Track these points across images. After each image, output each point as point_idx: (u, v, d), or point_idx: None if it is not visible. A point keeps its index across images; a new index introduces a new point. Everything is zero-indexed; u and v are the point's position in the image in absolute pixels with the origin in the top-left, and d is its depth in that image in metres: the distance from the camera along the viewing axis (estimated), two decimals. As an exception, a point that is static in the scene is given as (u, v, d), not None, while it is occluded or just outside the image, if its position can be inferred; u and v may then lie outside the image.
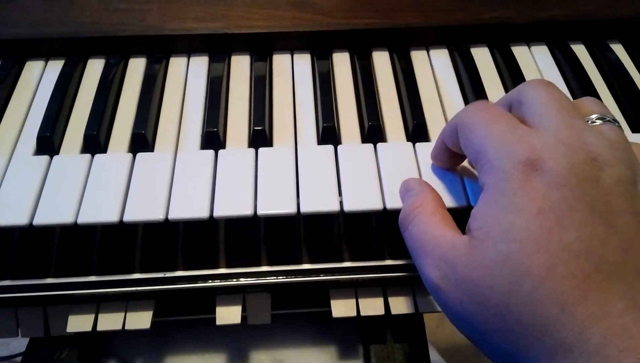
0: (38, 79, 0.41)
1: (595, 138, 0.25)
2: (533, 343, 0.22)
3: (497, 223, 0.24)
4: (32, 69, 0.42)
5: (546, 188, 0.24)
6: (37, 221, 0.31)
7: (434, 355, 0.80)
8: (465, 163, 0.34)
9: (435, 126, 0.38)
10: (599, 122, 0.27)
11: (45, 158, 0.35)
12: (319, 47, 0.43)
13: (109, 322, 0.36)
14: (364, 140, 0.37)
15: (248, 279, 0.35)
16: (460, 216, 0.29)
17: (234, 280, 0.35)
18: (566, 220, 0.23)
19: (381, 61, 0.43)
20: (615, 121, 0.28)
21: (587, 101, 0.29)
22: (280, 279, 0.35)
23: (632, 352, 0.20)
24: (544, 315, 0.22)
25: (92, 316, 0.36)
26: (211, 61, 0.42)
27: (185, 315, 0.41)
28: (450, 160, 0.33)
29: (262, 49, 0.43)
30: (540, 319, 0.22)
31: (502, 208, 0.24)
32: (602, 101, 0.29)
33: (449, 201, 0.32)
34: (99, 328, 0.36)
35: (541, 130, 0.26)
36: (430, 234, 0.27)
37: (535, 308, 0.22)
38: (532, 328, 0.22)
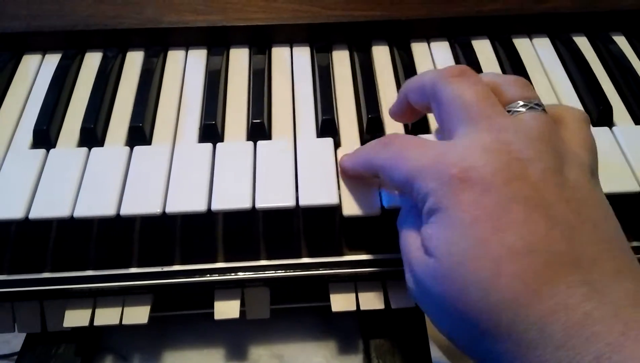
0: (35, 72, 0.41)
1: (514, 134, 0.25)
2: (496, 345, 0.22)
3: (440, 239, 0.24)
4: (29, 62, 0.42)
5: (476, 196, 0.23)
6: (33, 215, 0.31)
7: (434, 352, 0.79)
8: None
9: (436, 118, 0.37)
10: (522, 109, 0.27)
11: (42, 151, 0.35)
12: (319, 40, 0.43)
13: (106, 316, 0.35)
14: (364, 133, 0.37)
15: (247, 273, 0.34)
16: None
17: (233, 274, 0.34)
18: (503, 223, 0.23)
19: (381, 54, 0.42)
20: (539, 104, 0.27)
21: (509, 84, 0.28)
22: (279, 273, 0.34)
23: (597, 338, 0.20)
24: (499, 319, 0.22)
25: (89, 311, 0.35)
26: (209, 54, 0.42)
27: (183, 310, 0.40)
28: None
29: (261, 41, 0.43)
30: (495, 324, 0.22)
31: (442, 225, 0.24)
32: (529, 82, 0.29)
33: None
34: (96, 323, 0.35)
35: (458, 140, 0.26)
36: (404, 237, 0.28)
37: (489, 315, 0.22)
38: (492, 332, 0.22)
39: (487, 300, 0.22)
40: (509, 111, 0.27)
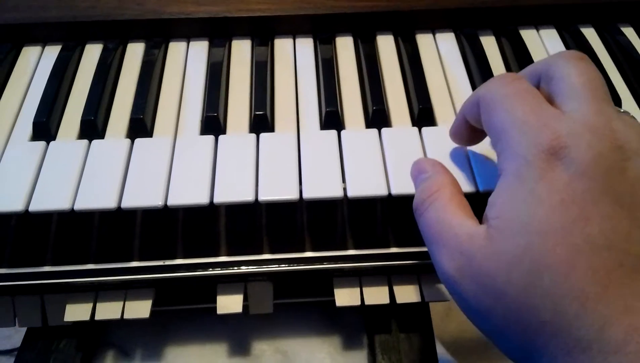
0: (35, 64, 0.40)
1: (624, 125, 0.24)
2: (550, 340, 0.21)
3: (516, 213, 0.23)
4: (29, 54, 0.41)
5: (569, 178, 0.23)
6: (33, 208, 0.31)
7: (438, 348, 0.79)
8: (472, 148, 0.33)
9: (442, 110, 0.37)
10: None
11: (42, 143, 0.34)
12: (322, 31, 0.42)
13: (108, 311, 0.35)
14: (368, 125, 0.36)
15: (249, 267, 0.34)
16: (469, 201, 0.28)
17: (235, 268, 0.34)
18: (589, 212, 0.22)
19: (386, 45, 0.42)
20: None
21: None
22: (283, 267, 0.34)
23: None
24: (564, 310, 0.21)
25: (90, 305, 0.35)
26: (211, 46, 0.41)
27: (185, 304, 0.40)
28: (471, 136, 0.31)
29: (263, 33, 0.42)
30: (559, 315, 0.21)
31: (522, 198, 0.23)
32: None
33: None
34: (97, 317, 0.35)
35: (568, 113, 0.25)
36: (447, 222, 0.26)
37: (555, 304, 0.21)
38: (550, 324, 0.21)
39: (558, 288, 0.21)
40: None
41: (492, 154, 0.33)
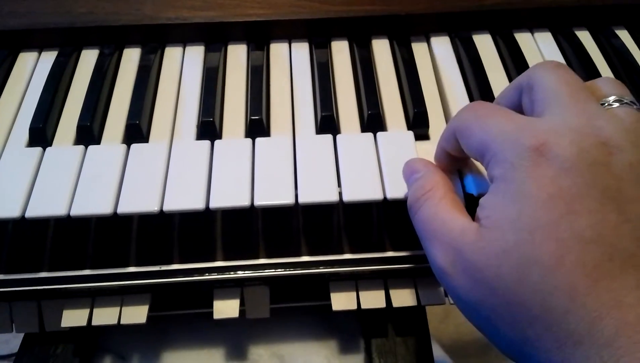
0: (31, 70, 0.40)
1: (607, 121, 0.24)
2: (541, 334, 0.22)
3: (505, 211, 0.24)
4: (26, 60, 0.41)
5: (555, 174, 0.23)
6: (29, 214, 0.31)
7: (437, 351, 0.79)
8: None
9: (437, 114, 0.37)
10: (616, 104, 0.26)
11: (38, 149, 0.34)
12: (318, 36, 0.42)
13: (104, 316, 0.35)
14: (364, 129, 0.36)
15: (246, 272, 0.34)
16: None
17: (232, 273, 0.34)
18: (576, 207, 0.22)
19: (381, 49, 0.42)
20: (634, 102, 0.26)
21: (604, 82, 0.28)
22: (279, 272, 0.34)
23: None
24: (554, 305, 0.21)
25: (87, 311, 0.35)
26: (207, 51, 0.42)
27: (182, 309, 0.40)
28: (453, 163, 0.32)
29: (259, 37, 0.42)
30: (549, 309, 0.21)
31: (510, 196, 0.24)
32: (621, 82, 0.28)
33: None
34: (94, 322, 0.35)
35: (547, 117, 0.25)
36: (440, 218, 0.27)
37: (544, 298, 0.22)
38: (541, 318, 0.22)
39: (547, 282, 0.22)
40: (602, 105, 0.26)
41: None
